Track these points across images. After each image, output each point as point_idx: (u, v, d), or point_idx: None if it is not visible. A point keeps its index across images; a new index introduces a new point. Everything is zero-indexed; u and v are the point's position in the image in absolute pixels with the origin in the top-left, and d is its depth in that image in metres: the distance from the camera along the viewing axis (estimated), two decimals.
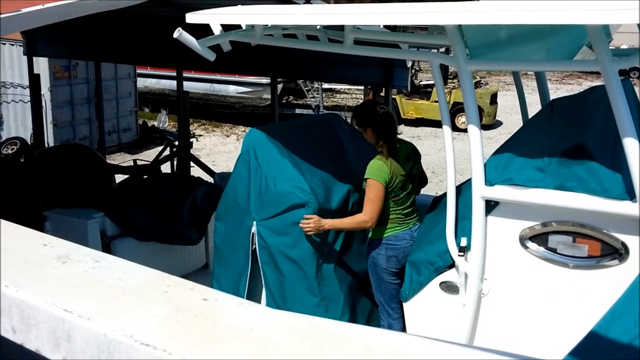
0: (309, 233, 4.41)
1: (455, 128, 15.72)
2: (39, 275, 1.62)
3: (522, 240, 3.80)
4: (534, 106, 4.35)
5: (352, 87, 25.29)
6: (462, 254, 3.93)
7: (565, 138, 3.79)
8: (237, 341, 1.30)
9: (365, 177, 4.50)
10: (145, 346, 1.29)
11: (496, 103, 20.53)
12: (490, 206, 3.85)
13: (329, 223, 4.42)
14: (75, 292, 1.52)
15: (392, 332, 3.64)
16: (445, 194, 4.09)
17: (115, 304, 1.46)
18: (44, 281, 1.58)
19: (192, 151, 10.69)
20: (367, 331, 3.49)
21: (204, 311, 1.42)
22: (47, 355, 1.48)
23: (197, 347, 1.28)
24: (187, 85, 12.26)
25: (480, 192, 3.80)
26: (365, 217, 4.45)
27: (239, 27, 4.25)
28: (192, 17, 3.99)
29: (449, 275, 4.08)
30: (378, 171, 4.47)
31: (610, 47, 3.48)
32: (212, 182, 8.15)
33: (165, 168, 10.82)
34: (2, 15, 4.26)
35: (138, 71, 18.04)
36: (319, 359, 1.24)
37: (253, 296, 4.71)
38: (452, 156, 4.00)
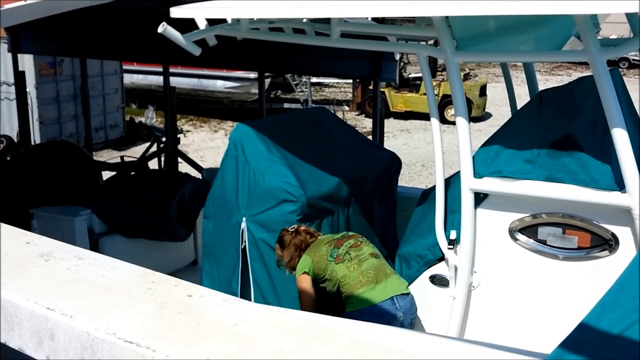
0: None
1: (444, 120, 15.80)
2: (21, 273, 1.59)
3: (512, 233, 3.79)
4: (524, 97, 4.34)
5: (340, 80, 25.23)
6: (451, 247, 3.93)
7: (553, 129, 3.79)
8: (222, 337, 1.28)
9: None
10: (129, 344, 1.27)
11: (485, 95, 20.53)
12: (480, 198, 3.84)
13: None
14: (58, 290, 1.50)
15: (382, 327, 3.62)
16: (434, 187, 4.08)
17: (98, 302, 1.44)
18: (27, 279, 1.56)
19: (180, 147, 10.62)
20: (356, 326, 3.47)
21: (189, 308, 1.40)
22: (31, 354, 1.46)
23: (181, 344, 1.26)
24: (174, 81, 12.18)
25: (469, 184, 3.79)
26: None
27: (224, 21, 4.21)
28: (176, 12, 3.95)
29: (438, 269, 4.07)
30: (300, 266, 4.15)
31: (599, 38, 3.47)
32: (200, 177, 8.11)
33: (153, 164, 10.76)
34: None
35: (124, 67, 17.91)
36: (303, 357, 1.22)
37: (246, 292, 4.68)
38: (441, 149, 3.99)
